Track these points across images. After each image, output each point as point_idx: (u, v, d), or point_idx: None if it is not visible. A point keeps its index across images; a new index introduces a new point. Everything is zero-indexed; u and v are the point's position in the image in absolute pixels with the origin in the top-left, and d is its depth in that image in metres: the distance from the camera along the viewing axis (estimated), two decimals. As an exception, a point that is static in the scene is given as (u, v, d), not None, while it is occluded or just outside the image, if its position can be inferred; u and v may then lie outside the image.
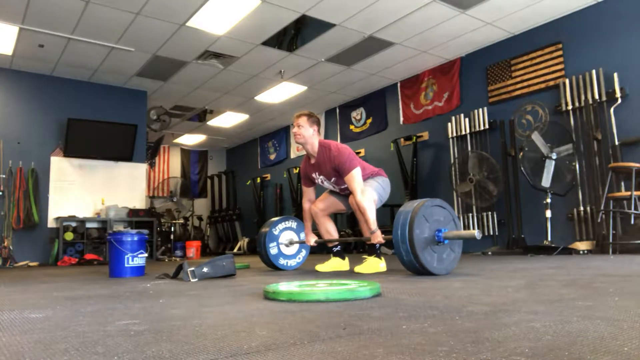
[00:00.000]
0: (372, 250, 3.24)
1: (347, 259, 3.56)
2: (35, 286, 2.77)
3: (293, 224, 3.86)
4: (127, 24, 5.38)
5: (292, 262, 3.83)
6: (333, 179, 3.35)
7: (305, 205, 3.58)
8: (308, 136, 3.35)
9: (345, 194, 3.44)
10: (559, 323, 1.07)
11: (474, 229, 6.10)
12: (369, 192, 3.20)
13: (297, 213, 9.01)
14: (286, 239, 3.78)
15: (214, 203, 11.63)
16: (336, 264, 3.46)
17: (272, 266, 3.71)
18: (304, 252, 3.91)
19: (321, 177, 3.41)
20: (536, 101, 5.48)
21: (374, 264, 3.15)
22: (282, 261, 3.74)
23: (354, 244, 7.23)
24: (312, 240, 3.60)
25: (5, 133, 6.50)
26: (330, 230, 3.54)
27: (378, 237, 3.12)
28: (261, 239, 3.69)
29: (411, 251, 2.50)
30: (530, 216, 5.46)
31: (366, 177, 3.31)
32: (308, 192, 3.59)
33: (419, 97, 7.11)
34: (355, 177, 3.17)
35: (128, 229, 5.63)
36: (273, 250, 3.69)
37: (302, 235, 3.81)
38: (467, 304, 1.45)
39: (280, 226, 3.78)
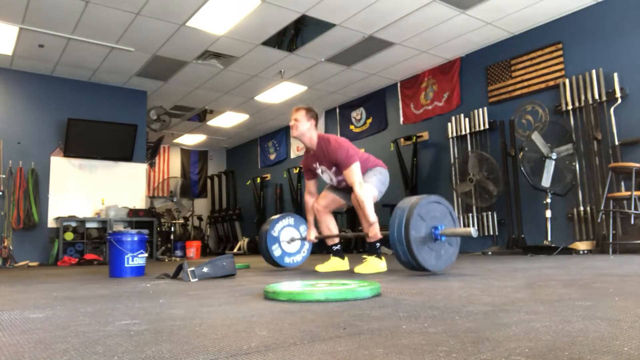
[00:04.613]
0: (373, 250, 3.24)
1: (346, 258, 3.56)
2: (35, 286, 2.77)
3: (291, 220, 3.86)
4: (127, 24, 5.38)
5: (298, 258, 3.84)
6: (333, 169, 3.38)
7: (307, 198, 3.58)
8: (304, 130, 3.37)
9: (342, 187, 3.46)
10: (559, 323, 1.07)
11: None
12: (368, 187, 3.23)
13: (297, 213, 9.01)
14: (287, 237, 3.79)
15: (214, 203, 11.62)
16: (336, 264, 3.46)
17: (278, 266, 3.73)
18: (307, 245, 3.92)
19: (322, 167, 3.44)
20: (536, 101, 5.48)
21: (374, 264, 3.15)
22: (287, 260, 3.75)
23: (354, 244, 7.23)
24: (313, 235, 3.60)
25: (5, 133, 6.50)
26: (332, 228, 3.54)
27: (375, 230, 3.14)
28: (262, 241, 3.69)
29: (408, 252, 2.50)
30: (530, 216, 5.46)
31: (365, 170, 3.34)
32: (310, 185, 3.59)
33: (419, 97, 7.11)
34: (354, 172, 3.20)
35: (128, 229, 5.64)
36: (277, 252, 3.69)
37: (302, 229, 3.82)
38: (467, 304, 1.45)
39: (279, 226, 3.78)
